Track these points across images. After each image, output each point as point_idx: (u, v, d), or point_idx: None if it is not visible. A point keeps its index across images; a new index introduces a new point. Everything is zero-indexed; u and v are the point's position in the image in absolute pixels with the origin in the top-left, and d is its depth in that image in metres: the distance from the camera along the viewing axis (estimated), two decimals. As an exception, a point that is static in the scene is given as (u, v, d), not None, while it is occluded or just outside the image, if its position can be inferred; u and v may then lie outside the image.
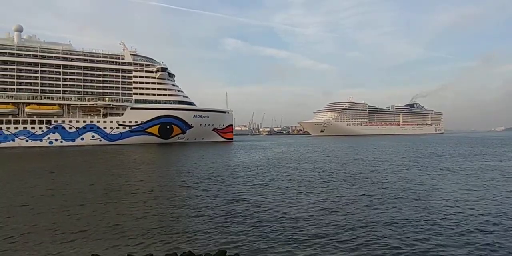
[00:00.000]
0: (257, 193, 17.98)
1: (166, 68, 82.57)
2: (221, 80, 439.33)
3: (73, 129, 73.56)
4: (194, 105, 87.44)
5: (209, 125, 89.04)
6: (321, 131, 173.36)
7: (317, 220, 12.51)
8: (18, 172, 28.88)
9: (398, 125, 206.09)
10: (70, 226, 12.06)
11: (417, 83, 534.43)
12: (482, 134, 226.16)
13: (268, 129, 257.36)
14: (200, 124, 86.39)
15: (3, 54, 68.93)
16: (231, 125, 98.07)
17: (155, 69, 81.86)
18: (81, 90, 75.62)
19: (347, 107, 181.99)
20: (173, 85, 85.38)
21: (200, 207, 14.77)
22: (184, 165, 33.12)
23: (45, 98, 71.34)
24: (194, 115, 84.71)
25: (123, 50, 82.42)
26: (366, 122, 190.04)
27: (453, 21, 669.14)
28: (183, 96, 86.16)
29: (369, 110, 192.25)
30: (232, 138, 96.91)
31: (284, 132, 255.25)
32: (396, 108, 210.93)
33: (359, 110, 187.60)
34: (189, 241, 10.36)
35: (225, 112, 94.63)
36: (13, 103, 68.67)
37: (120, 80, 79.38)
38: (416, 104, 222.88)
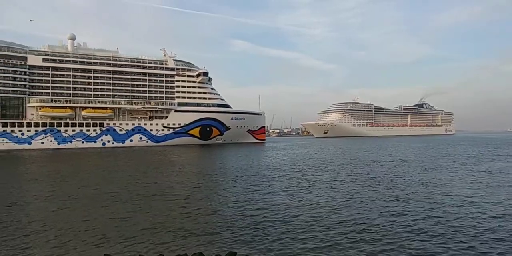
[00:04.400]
0: (278, 195, 18.05)
1: (208, 73, 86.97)
2: (228, 81, 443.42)
3: (123, 131, 77.68)
4: (231, 107, 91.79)
5: (244, 126, 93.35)
6: (325, 133, 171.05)
7: (332, 225, 12.40)
8: (54, 172, 31.31)
9: (406, 126, 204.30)
10: (85, 225, 12.60)
11: (429, 82, 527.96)
12: (498, 134, 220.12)
13: (278, 131, 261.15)
14: (237, 126, 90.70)
15: (60, 61, 73.19)
16: (264, 127, 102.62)
17: (196, 74, 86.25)
18: (129, 94, 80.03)
19: (351, 108, 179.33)
20: (212, 89, 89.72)
21: (218, 209, 15.04)
22: (222, 165, 35.18)
23: (98, 102, 75.59)
24: (232, 118, 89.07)
25: (164, 55, 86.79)
26: (372, 123, 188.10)
27: (463, 19, 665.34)
28: (221, 99, 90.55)
29: (375, 111, 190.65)
30: (264, 139, 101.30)
31: (294, 133, 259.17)
32: (404, 109, 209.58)
33: (364, 110, 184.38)
34: (200, 242, 10.56)
35: (259, 114, 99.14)
36: (71, 107, 72.89)
37: (164, 84, 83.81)
38: (425, 104, 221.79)
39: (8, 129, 68.30)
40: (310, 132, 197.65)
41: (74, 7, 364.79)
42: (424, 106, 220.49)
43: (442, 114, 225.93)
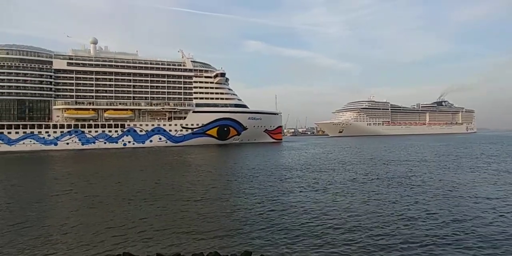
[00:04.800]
0: (294, 196, 18.17)
1: (225, 73, 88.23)
2: (243, 82, 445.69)
3: (143, 132, 79.86)
4: (248, 107, 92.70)
5: (261, 126, 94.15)
6: (340, 132, 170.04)
7: (349, 228, 12.33)
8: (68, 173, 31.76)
9: (424, 124, 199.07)
10: (105, 224, 13.07)
11: (448, 80, 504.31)
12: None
13: (293, 130, 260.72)
14: (254, 126, 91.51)
15: (84, 65, 75.98)
16: (280, 126, 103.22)
17: (213, 74, 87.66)
18: (149, 95, 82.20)
19: (367, 106, 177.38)
20: (229, 89, 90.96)
21: (234, 209, 15.22)
22: (239, 165, 35.71)
23: (120, 104, 78.05)
24: (249, 117, 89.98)
25: (182, 57, 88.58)
26: (388, 121, 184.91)
27: (485, 13, 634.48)
28: (238, 99, 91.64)
29: (391, 109, 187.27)
30: (281, 139, 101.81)
31: (308, 133, 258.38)
32: (422, 107, 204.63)
33: (380, 109, 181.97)
34: (216, 241, 10.84)
35: (275, 113, 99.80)
36: (94, 109, 75.59)
37: (182, 85, 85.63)
38: (444, 101, 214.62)
39: (36, 130, 71.50)
40: (325, 132, 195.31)
41: (77, 9, 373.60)
42: (443, 103, 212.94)
43: (462, 112, 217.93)
